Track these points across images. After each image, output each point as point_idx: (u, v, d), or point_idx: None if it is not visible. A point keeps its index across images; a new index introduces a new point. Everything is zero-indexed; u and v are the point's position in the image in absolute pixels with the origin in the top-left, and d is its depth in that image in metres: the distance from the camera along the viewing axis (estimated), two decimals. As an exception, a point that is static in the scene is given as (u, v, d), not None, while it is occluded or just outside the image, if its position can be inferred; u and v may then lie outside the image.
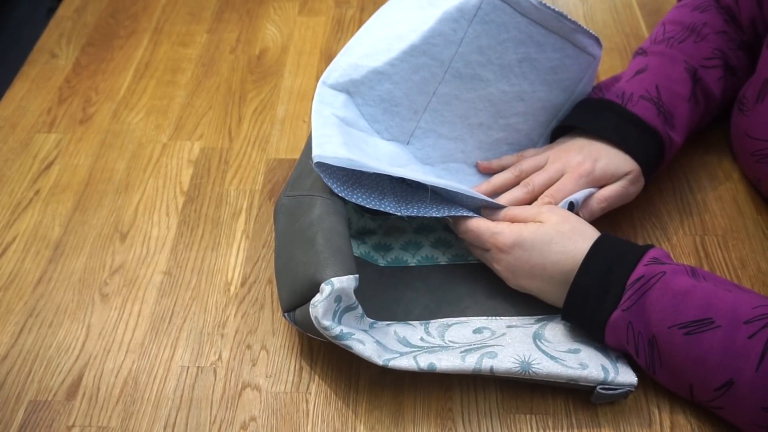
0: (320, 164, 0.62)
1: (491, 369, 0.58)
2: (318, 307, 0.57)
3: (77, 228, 0.76)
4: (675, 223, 0.75)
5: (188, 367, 0.64)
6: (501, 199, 0.69)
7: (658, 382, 0.60)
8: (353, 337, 0.58)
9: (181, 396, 0.62)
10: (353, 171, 0.65)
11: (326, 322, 0.57)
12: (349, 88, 0.69)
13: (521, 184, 0.70)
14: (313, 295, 0.58)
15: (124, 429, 0.60)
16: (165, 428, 0.60)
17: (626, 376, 0.59)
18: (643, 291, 0.57)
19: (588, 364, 0.59)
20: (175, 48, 0.99)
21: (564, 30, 0.70)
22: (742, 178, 0.79)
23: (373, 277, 0.68)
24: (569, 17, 0.69)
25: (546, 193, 0.69)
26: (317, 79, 0.91)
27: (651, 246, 0.61)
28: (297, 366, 0.64)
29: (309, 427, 0.60)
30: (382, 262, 0.70)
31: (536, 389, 0.62)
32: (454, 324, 0.65)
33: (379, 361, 0.58)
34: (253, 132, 0.86)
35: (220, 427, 0.60)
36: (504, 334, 0.62)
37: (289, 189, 0.68)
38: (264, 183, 0.80)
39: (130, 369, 0.64)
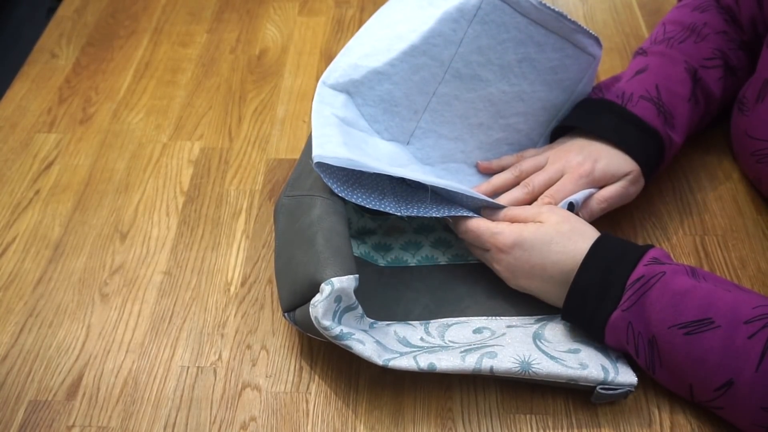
0: (320, 164, 0.62)
1: (491, 369, 0.58)
2: (318, 307, 0.57)
3: (77, 228, 0.76)
4: (675, 223, 0.75)
5: (188, 367, 0.64)
6: (501, 200, 0.69)
7: (658, 382, 0.60)
8: (353, 337, 0.58)
9: (181, 396, 0.62)
10: (353, 171, 0.65)
11: (326, 322, 0.57)
12: (349, 89, 0.69)
13: (521, 184, 0.70)
14: (313, 295, 0.58)
15: (124, 429, 0.60)
16: (165, 428, 0.60)
17: (626, 376, 0.59)
18: (643, 291, 0.57)
19: (588, 364, 0.59)
20: (175, 48, 0.99)
21: (564, 30, 0.70)
22: (742, 178, 0.79)
23: (373, 277, 0.68)
24: (569, 17, 0.69)
25: (546, 193, 0.69)
26: (317, 79, 0.91)
27: (651, 246, 0.61)
28: (297, 366, 0.64)
29: (309, 427, 0.60)
30: (382, 262, 0.70)
31: (536, 389, 0.62)
32: (454, 324, 0.65)
33: (379, 361, 0.58)
34: (253, 132, 0.86)
35: (220, 427, 0.60)
36: (504, 334, 0.62)
37: (289, 189, 0.68)
38: (264, 183, 0.80)
39: (130, 369, 0.64)
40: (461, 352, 0.60)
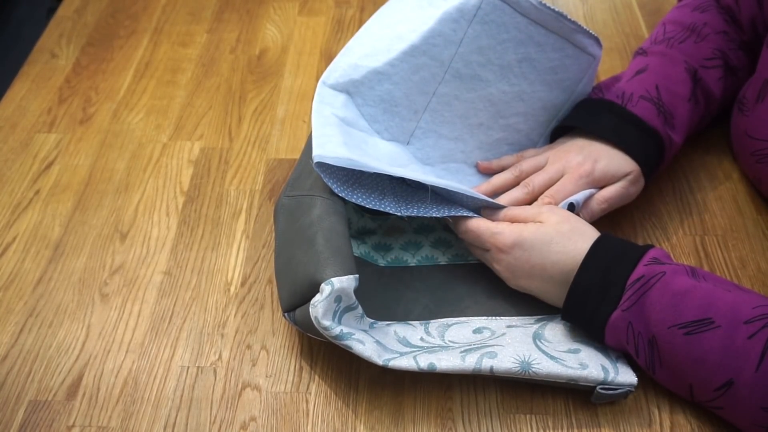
0: (320, 164, 0.62)
1: (491, 369, 0.58)
2: (318, 307, 0.57)
3: (77, 228, 0.76)
4: (675, 223, 0.75)
5: (188, 367, 0.64)
6: (501, 200, 0.69)
7: (658, 382, 0.60)
8: (353, 337, 0.58)
9: (181, 396, 0.62)
10: (353, 171, 0.65)
11: (326, 322, 0.57)
12: (349, 89, 0.69)
13: (521, 184, 0.70)
14: (313, 295, 0.58)
15: (124, 429, 0.60)
16: (165, 428, 0.60)
17: (626, 376, 0.59)
18: (643, 291, 0.57)
19: (588, 364, 0.59)
20: (175, 48, 0.99)
21: (564, 30, 0.70)
22: (742, 178, 0.80)
23: (373, 277, 0.68)
24: (569, 17, 0.69)
25: (546, 193, 0.69)
26: (317, 79, 0.91)
27: (651, 246, 0.61)
28: (297, 366, 0.64)
29: (309, 427, 0.60)
30: (382, 262, 0.70)
31: (536, 389, 0.62)
32: (454, 324, 0.65)
33: (379, 361, 0.58)
34: (253, 132, 0.86)
35: (220, 427, 0.60)
36: (504, 334, 0.62)
37: (289, 189, 0.68)
38: (264, 183, 0.80)
39: (130, 369, 0.64)
40: (461, 352, 0.60)
